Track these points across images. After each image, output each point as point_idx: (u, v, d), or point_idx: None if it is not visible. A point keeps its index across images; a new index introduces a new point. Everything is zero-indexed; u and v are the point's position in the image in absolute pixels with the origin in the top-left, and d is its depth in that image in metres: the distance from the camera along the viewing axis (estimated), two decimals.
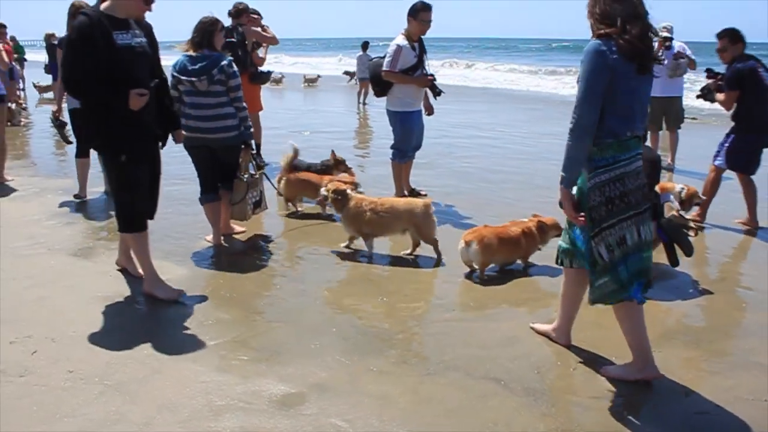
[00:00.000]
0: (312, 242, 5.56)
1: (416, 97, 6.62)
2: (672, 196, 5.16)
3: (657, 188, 4.86)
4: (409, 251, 5.20)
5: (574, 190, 3.24)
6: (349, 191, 5.23)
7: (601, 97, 3.00)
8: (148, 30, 4.15)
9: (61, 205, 6.60)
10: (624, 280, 3.16)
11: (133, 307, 4.17)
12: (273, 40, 8.28)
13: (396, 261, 5.16)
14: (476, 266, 4.72)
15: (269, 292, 4.51)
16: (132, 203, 4.21)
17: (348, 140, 11.66)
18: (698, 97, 6.85)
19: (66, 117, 6.88)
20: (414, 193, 6.89)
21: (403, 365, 3.47)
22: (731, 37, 6.00)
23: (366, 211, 5.06)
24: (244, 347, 3.63)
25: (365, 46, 19.22)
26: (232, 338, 3.74)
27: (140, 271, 4.48)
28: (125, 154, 4.06)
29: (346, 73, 26.44)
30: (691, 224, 4.80)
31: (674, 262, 4.53)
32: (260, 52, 8.24)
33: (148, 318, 3.97)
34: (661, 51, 8.65)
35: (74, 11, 5.27)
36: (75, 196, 6.76)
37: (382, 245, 5.47)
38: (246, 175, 5.39)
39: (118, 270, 4.72)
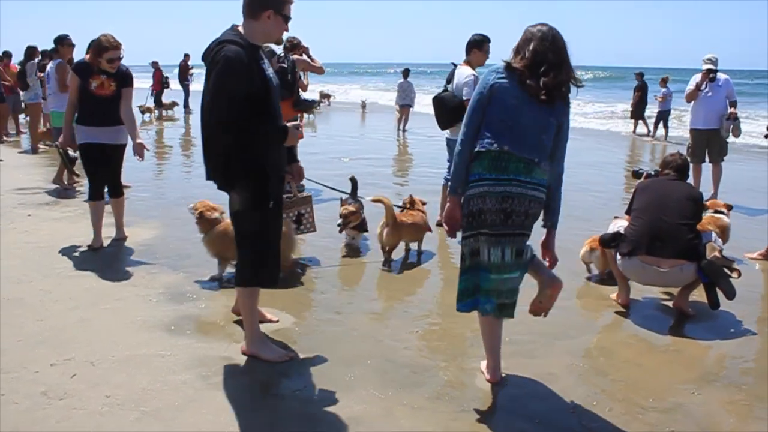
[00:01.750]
0: (348, 271, 5.59)
1: None
2: (714, 235, 5.05)
3: (700, 226, 4.79)
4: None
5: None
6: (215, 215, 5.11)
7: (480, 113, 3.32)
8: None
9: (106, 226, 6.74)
10: (465, 289, 3.44)
11: (171, 333, 4.23)
12: (320, 70, 8.82)
13: (433, 294, 5.16)
14: (596, 268, 5.42)
15: (304, 321, 4.53)
16: (267, 252, 3.78)
17: (387, 167, 11.73)
18: (766, 137, 6.86)
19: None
20: None
21: (437, 401, 3.44)
22: None
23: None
24: (278, 380, 3.65)
25: (406, 73, 19.27)
26: (266, 369, 3.76)
27: (269, 316, 4.37)
28: (273, 199, 3.67)
29: (363, 105, 26.86)
30: (734, 265, 4.69)
31: (714, 304, 4.46)
32: (303, 78, 8.58)
33: (185, 347, 4.02)
34: (705, 83, 8.57)
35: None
36: (89, 247, 6.02)
37: (419, 278, 5.48)
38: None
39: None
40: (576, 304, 4.94)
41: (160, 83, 22.77)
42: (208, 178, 3.63)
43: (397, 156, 13.99)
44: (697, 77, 8.72)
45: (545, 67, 3.25)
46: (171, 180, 10.23)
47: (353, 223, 6.05)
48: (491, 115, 3.28)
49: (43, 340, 4.05)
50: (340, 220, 5.96)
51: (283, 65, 8.04)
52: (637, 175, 4.83)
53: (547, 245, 3.54)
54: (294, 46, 8.45)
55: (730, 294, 4.45)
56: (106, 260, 5.70)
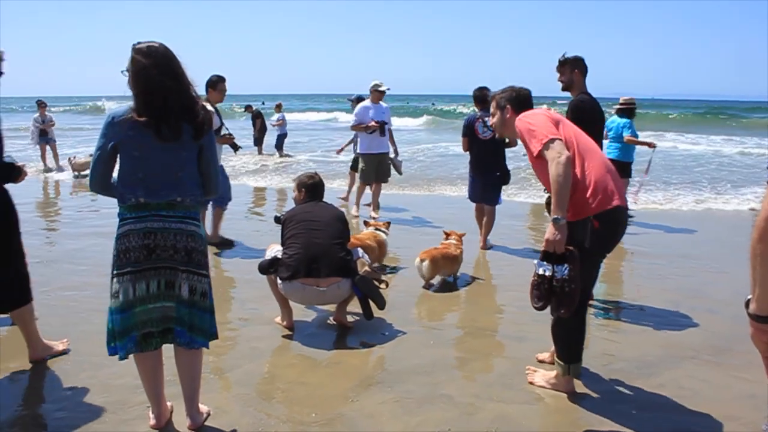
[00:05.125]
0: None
1: None
2: (360, 251, 5.46)
3: (349, 244, 5.11)
4: None
5: None
6: None
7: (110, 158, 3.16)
8: None
9: None
10: (111, 332, 3.20)
11: None
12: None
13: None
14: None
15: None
16: None
17: None
18: None
19: None
20: None
21: None
22: None
23: None
24: None
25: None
26: None
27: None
28: None
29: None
30: (382, 277, 5.12)
31: (369, 315, 4.81)
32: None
33: None
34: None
35: None
36: None
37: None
38: None
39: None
40: (241, 334, 4.89)
41: None
42: None
43: None
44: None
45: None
46: None
47: None
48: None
49: None
50: None
51: None
52: (279, 220, 5.01)
53: None
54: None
55: (381, 304, 4.84)
56: None
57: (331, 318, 5.17)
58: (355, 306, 5.05)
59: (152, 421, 3.45)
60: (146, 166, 3.11)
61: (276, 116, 20.19)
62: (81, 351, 4.45)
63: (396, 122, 17.43)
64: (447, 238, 6.58)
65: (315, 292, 4.73)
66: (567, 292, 3.47)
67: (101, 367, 4.13)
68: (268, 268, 4.81)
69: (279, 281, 4.79)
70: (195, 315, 3.27)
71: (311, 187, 5.15)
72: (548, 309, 3.64)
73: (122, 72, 3.11)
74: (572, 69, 5.26)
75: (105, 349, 3.24)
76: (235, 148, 8.29)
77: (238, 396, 3.85)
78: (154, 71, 3.05)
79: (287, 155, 19.59)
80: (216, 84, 7.56)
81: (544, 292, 3.54)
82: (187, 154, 3.21)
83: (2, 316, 4.35)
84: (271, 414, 3.63)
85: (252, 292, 5.84)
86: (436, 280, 6.29)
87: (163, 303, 3.20)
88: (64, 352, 4.41)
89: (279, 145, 19.83)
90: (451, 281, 6.40)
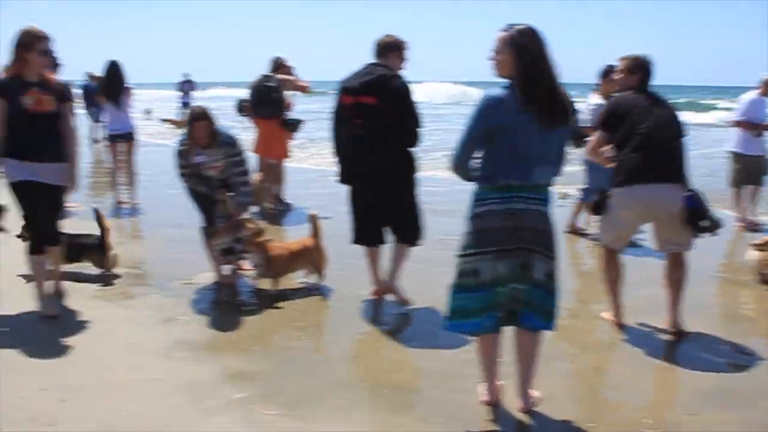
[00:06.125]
0: (341, 293, 5.53)
1: None
2: None
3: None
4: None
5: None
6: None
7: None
8: None
9: None
10: (462, 310, 3.33)
11: (161, 357, 4.17)
12: (306, 89, 8.78)
13: (420, 315, 5.11)
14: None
15: (296, 343, 4.48)
16: None
17: None
18: None
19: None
20: None
21: (430, 423, 3.40)
22: None
23: None
24: (271, 401, 3.60)
25: None
26: (259, 392, 3.71)
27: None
28: None
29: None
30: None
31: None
32: (288, 97, 8.63)
33: (177, 371, 3.96)
34: None
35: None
36: (41, 318, 4.73)
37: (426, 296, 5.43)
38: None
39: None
40: (569, 324, 4.89)
41: None
42: None
43: None
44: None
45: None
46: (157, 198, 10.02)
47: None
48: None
49: (30, 364, 3.98)
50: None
51: (269, 84, 8.15)
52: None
53: None
54: (279, 65, 8.52)
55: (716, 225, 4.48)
56: (95, 282, 5.61)
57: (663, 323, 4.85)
58: None
59: (484, 397, 3.61)
60: (523, 149, 3.20)
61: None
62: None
63: None
64: None
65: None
66: None
67: (434, 336, 4.49)
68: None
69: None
70: (545, 298, 3.35)
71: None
72: None
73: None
74: None
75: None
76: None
77: (567, 386, 3.88)
78: (538, 56, 3.19)
79: None
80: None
81: None
82: (557, 137, 3.28)
83: None
84: (602, 410, 3.60)
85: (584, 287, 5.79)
86: None
87: (515, 285, 3.29)
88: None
89: None
90: None
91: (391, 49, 4.89)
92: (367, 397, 3.72)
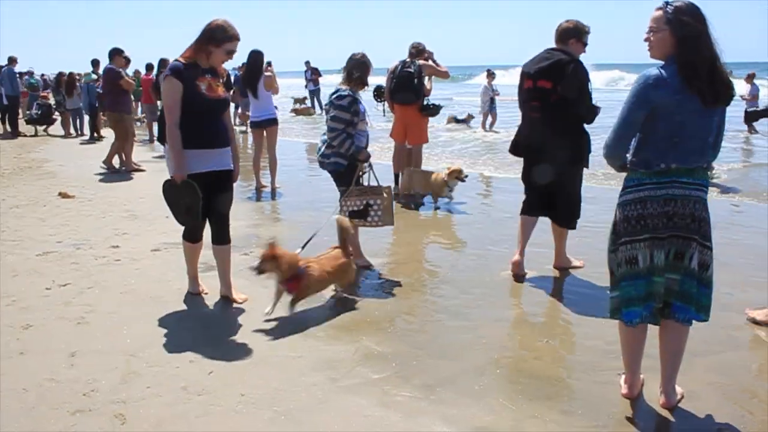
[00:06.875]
0: (478, 278, 5.47)
1: None
2: None
3: None
4: None
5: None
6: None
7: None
8: None
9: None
10: (624, 299, 3.21)
11: (301, 335, 4.30)
12: (445, 75, 9.04)
13: (561, 304, 4.93)
14: None
15: (432, 327, 4.47)
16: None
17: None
18: None
19: None
20: None
21: (570, 415, 3.28)
22: None
23: None
24: (406, 383, 3.61)
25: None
26: (394, 373, 3.73)
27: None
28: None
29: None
30: None
31: None
32: (426, 84, 8.62)
33: (315, 349, 4.07)
34: None
35: None
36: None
37: (545, 287, 5.27)
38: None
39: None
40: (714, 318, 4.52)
41: None
42: None
43: None
44: None
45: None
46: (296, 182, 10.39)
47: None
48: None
49: (182, 337, 4.24)
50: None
51: (410, 70, 8.27)
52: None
53: None
54: (419, 51, 8.62)
55: None
56: (241, 260, 5.85)
57: None
58: None
59: (625, 390, 3.45)
60: (683, 131, 3.02)
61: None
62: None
63: None
64: None
65: None
66: None
67: (578, 325, 4.32)
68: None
69: None
70: (700, 290, 3.15)
71: None
72: None
73: None
74: None
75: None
76: None
77: (713, 384, 3.61)
78: (701, 33, 2.99)
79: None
80: None
81: None
82: (718, 119, 3.09)
83: None
84: (754, 413, 3.31)
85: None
86: None
87: (669, 275, 3.12)
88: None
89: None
90: None
91: (570, 35, 5.07)
92: (504, 383, 3.64)
